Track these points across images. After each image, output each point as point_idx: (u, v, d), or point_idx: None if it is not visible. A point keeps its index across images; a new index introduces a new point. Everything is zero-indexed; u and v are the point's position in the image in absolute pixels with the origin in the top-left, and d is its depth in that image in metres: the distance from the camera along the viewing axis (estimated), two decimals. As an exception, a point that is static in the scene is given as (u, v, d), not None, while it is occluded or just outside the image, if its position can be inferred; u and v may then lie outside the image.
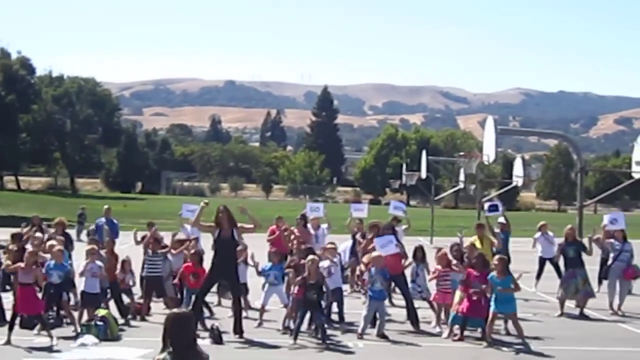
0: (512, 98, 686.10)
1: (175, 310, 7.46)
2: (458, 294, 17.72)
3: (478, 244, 20.77)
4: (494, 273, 17.12)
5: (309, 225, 23.64)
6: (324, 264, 18.14)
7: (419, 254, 19.72)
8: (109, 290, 19.10)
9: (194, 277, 18.66)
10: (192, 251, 19.86)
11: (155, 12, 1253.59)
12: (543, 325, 19.62)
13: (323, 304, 17.48)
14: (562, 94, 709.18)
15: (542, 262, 25.75)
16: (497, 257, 17.91)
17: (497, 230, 23.89)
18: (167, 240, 21.21)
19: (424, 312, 19.30)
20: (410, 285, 19.34)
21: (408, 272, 19.61)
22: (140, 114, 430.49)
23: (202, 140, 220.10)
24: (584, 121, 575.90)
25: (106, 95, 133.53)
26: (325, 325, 17.15)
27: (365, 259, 18.88)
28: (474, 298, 17.17)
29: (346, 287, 21.95)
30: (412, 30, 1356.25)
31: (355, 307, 19.62)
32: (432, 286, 19.03)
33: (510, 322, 17.48)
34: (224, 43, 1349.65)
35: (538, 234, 25.87)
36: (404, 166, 59.04)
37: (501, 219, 25.43)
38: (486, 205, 26.98)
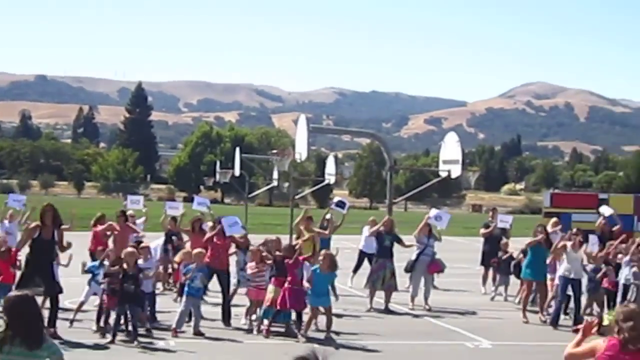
0: (326, 97, 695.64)
1: (14, 293, 7.80)
2: (271, 288, 17.83)
3: (304, 236, 21.04)
4: (317, 267, 17.35)
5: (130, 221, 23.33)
6: (139, 262, 17.88)
7: (245, 243, 19.98)
8: None
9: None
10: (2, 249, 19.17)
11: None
12: (354, 320, 19.95)
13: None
14: (374, 94, 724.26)
15: (361, 256, 26.11)
16: (324, 252, 18.18)
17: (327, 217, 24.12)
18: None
19: (238, 309, 19.33)
20: (239, 273, 19.60)
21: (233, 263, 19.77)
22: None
23: (12, 136, 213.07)
24: (396, 121, 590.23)
25: None
26: (138, 324, 16.93)
27: (177, 257, 18.72)
28: (290, 290, 17.31)
29: (158, 285, 21.68)
30: (228, 28, 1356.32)
31: (168, 305, 19.46)
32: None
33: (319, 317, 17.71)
34: (35, 36, 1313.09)
35: (365, 228, 26.02)
36: (218, 164, 58.93)
37: (328, 216, 25.67)
38: (334, 199, 27.18)
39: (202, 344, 16.64)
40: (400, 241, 22.34)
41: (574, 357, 7.96)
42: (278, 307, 17.38)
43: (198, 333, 17.22)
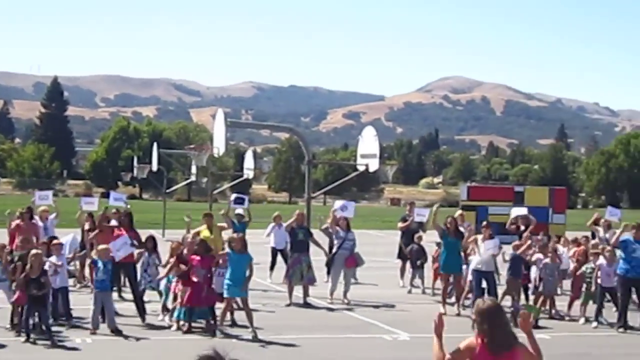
0: (244, 92, 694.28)
1: None
2: (179, 287, 17.77)
3: (206, 233, 20.95)
4: (231, 250, 17.38)
5: (36, 217, 22.96)
6: (52, 259, 17.64)
7: (150, 244, 19.64)
8: None
9: None
10: None
11: None
12: (273, 315, 19.95)
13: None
14: (293, 89, 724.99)
15: (274, 253, 26.22)
16: (234, 234, 18.25)
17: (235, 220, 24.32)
18: None
19: (154, 305, 19.20)
20: (143, 274, 19.32)
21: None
22: None
23: None
24: (314, 115, 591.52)
25: None
26: (51, 322, 16.70)
27: (93, 253, 18.50)
28: (196, 287, 17.25)
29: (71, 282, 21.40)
30: (145, 23, 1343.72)
31: (87, 302, 19.25)
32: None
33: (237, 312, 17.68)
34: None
35: (271, 225, 26.26)
36: (136, 159, 58.34)
37: (239, 211, 25.69)
38: (233, 197, 27.20)
39: (118, 341, 16.49)
40: (311, 236, 22.45)
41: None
42: (188, 305, 17.32)
43: (113, 329, 17.01)
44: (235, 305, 17.83)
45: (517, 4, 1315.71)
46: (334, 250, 22.84)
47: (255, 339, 16.54)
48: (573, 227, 33.97)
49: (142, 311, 18.46)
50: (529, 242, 21.12)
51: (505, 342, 7.27)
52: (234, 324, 18.04)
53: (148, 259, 19.49)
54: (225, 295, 17.34)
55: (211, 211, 24.35)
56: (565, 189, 32.99)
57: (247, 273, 17.25)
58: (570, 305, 20.81)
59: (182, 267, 17.76)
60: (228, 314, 17.80)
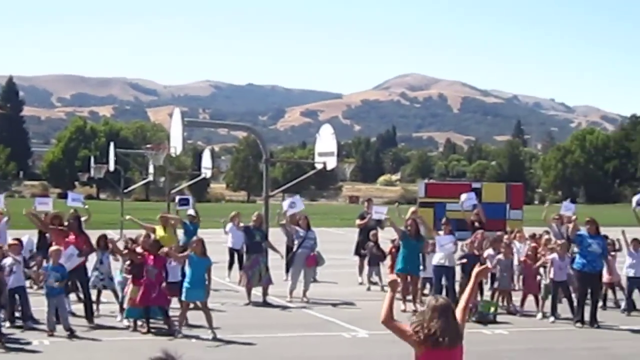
0: (202, 90, 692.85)
1: None
2: (131, 287, 17.69)
3: (161, 232, 21.09)
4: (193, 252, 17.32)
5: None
6: (7, 261, 17.49)
7: (102, 242, 19.55)
8: None
9: None
10: None
11: None
12: (231, 314, 19.89)
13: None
14: (250, 87, 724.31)
15: (232, 252, 26.14)
16: (195, 238, 18.29)
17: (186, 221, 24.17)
18: None
19: (112, 306, 19.09)
20: (94, 273, 19.25)
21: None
22: None
23: None
24: (272, 113, 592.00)
25: None
26: (6, 324, 16.57)
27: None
28: (149, 286, 17.17)
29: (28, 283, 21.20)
30: (100, 22, 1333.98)
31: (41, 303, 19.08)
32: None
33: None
34: None
35: (229, 225, 26.18)
36: (93, 159, 57.91)
37: (190, 211, 25.57)
38: (177, 199, 27.16)
39: (75, 343, 16.35)
40: (266, 239, 22.44)
41: (389, 322, 7.65)
42: (142, 305, 17.24)
43: (69, 331, 16.84)
44: (192, 305, 17.73)
45: (473, 2, 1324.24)
46: (294, 249, 22.84)
47: (214, 339, 16.49)
48: (530, 223, 34.19)
49: (90, 314, 18.30)
50: (478, 237, 21.36)
51: (451, 339, 7.32)
52: (186, 324, 17.94)
53: (101, 257, 19.42)
54: (183, 299, 17.25)
55: (169, 211, 24.29)
56: (522, 185, 33.23)
57: (207, 278, 17.21)
58: (522, 302, 20.95)
59: (137, 257, 17.68)
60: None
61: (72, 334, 16.73)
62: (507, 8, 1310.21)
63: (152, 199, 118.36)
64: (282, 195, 48.35)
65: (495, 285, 20.85)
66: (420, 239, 21.33)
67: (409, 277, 21.11)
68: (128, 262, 18.20)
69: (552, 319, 19.71)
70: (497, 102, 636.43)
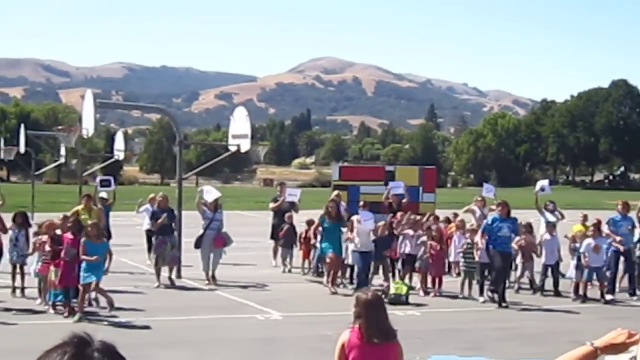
0: (115, 72, 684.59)
1: None
2: (52, 268, 17.44)
3: (85, 215, 20.79)
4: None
5: None
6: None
7: (19, 219, 19.44)
8: None
9: None
10: None
11: None
12: (144, 297, 19.76)
13: None
14: (164, 69, 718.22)
15: (148, 235, 25.90)
16: (90, 221, 18.16)
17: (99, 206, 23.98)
18: None
19: (33, 291, 18.83)
20: (12, 251, 19.16)
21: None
22: None
23: None
24: (186, 96, 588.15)
25: None
26: None
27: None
28: (68, 267, 16.97)
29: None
30: (13, 1, 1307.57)
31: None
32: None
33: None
34: None
35: (144, 207, 25.96)
36: (3, 141, 56.90)
37: (103, 194, 25.36)
38: (98, 180, 26.86)
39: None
40: (174, 219, 22.39)
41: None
42: (62, 286, 17.04)
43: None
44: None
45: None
46: (201, 231, 22.74)
47: (127, 324, 16.32)
48: (442, 206, 34.61)
49: None
50: (396, 219, 21.71)
51: (382, 334, 7.29)
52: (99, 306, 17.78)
53: (17, 234, 19.19)
54: (82, 282, 16.93)
55: (88, 193, 24.09)
56: (434, 168, 33.49)
57: (107, 261, 17.13)
58: (434, 282, 21.27)
59: (51, 247, 17.45)
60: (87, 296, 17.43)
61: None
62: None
63: (64, 182, 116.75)
64: (195, 177, 48.13)
65: (417, 264, 21.12)
66: (340, 220, 21.52)
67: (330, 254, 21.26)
68: (48, 246, 17.88)
69: (481, 299, 20.01)
70: (411, 86, 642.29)
